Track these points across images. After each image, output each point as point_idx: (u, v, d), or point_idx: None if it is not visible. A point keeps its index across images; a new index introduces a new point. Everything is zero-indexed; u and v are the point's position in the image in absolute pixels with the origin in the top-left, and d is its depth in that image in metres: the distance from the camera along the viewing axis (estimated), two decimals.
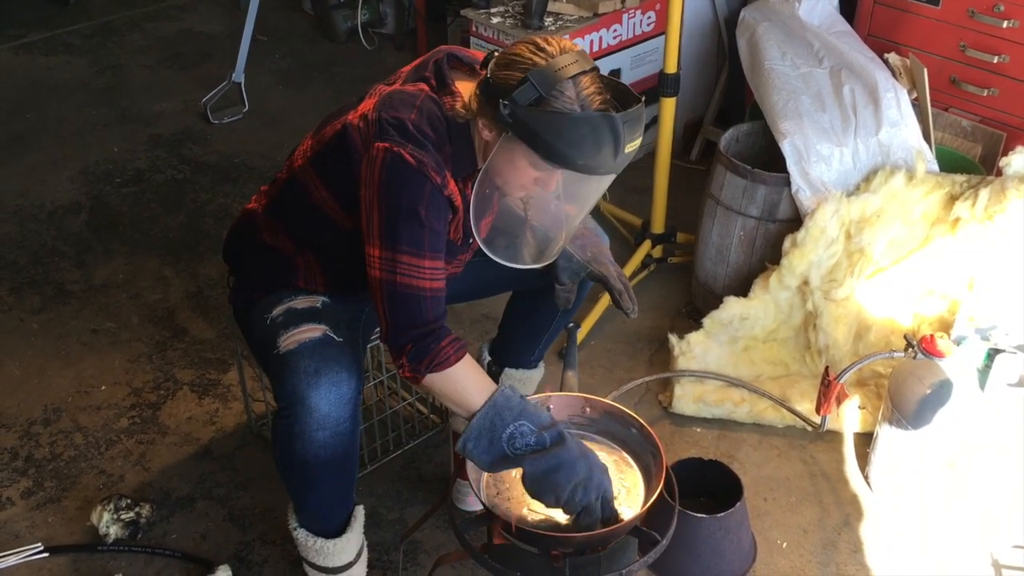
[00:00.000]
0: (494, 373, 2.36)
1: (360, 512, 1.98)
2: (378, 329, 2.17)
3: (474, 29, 3.34)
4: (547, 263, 1.87)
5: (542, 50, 1.61)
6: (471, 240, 1.86)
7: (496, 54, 1.67)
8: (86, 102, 4.13)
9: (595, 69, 1.63)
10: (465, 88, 1.73)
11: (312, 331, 1.79)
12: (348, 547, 1.96)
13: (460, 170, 1.75)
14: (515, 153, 1.63)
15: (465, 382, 1.70)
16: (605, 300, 2.81)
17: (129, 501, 2.21)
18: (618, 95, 1.65)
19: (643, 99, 1.64)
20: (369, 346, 2.20)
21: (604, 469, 1.66)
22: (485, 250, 1.74)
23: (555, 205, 1.76)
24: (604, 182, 1.69)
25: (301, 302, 1.86)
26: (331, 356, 1.76)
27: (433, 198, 1.68)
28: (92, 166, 3.67)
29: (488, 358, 2.41)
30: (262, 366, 1.94)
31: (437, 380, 1.69)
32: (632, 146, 1.62)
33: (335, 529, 1.95)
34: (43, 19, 4.88)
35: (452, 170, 1.73)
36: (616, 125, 1.57)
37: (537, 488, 1.63)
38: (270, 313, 1.86)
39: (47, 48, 4.60)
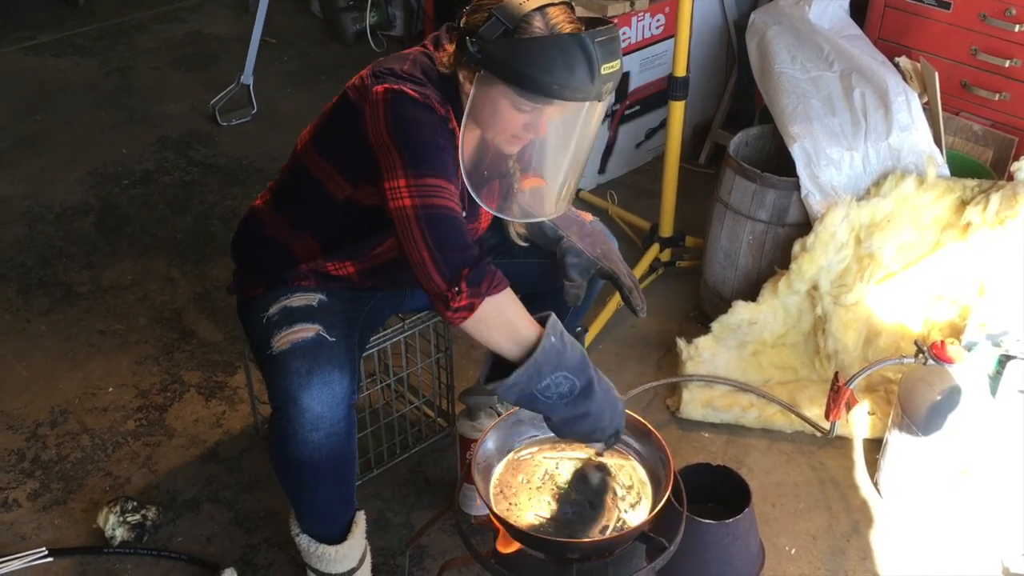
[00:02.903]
0: None
1: (361, 518, 1.98)
2: (373, 338, 2.16)
3: None
4: (545, 218, 1.87)
5: None
6: (464, 214, 1.87)
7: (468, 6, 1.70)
8: (95, 104, 4.14)
9: (565, 3, 1.64)
10: None
11: (305, 331, 1.79)
12: (351, 553, 1.95)
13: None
14: (494, 95, 1.64)
15: (516, 309, 1.62)
16: (613, 304, 2.80)
17: (135, 503, 2.21)
18: (591, 24, 1.65)
19: (615, 22, 1.64)
20: (377, 349, 2.20)
21: (623, 412, 1.69)
22: (481, 203, 1.73)
23: (548, 150, 1.76)
24: (590, 116, 1.67)
25: (297, 300, 1.86)
26: (323, 356, 1.76)
27: (443, 127, 1.69)
28: (100, 168, 3.67)
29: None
30: (259, 366, 1.94)
31: (494, 306, 1.60)
32: (609, 68, 1.60)
33: (337, 534, 1.94)
34: (53, 21, 4.89)
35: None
36: (586, 44, 1.57)
37: (559, 432, 1.66)
38: (267, 311, 1.86)
39: (56, 50, 4.61)
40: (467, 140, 1.70)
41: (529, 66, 1.58)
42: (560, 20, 1.61)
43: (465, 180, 1.68)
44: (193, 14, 5.00)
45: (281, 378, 1.75)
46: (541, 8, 1.60)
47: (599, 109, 1.68)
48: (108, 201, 3.48)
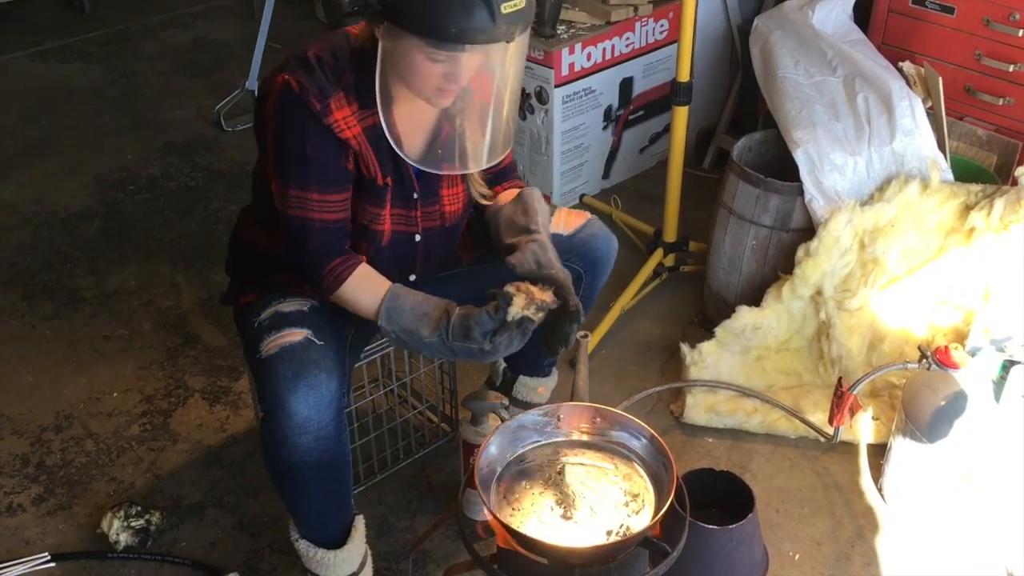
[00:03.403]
0: (509, 380, 2.35)
1: (360, 522, 1.97)
2: (376, 343, 2.17)
3: None
4: (474, 170, 1.87)
5: None
6: (416, 195, 1.88)
7: None
8: (100, 109, 4.16)
9: None
10: None
11: (293, 335, 1.79)
12: (350, 558, 1.95)
13: (366, 98, 1.73)
14: (404, 48, 1.63)
15: (356, 303, 1.80)
16: (616, 309, 2.81)
17: (139, 508, 2.21)
18: None
19: None
20: (380, 354, 2.20)
21: (488, 350, 1.71)
22: (418, 165, 1.77)
23: (470, 98, 1.75)
24: (506, 59, 1.67)
25: (289, 305, 1.87)
26: (310, 360, 1.76)
27: (314, 129, 1.71)
28: (106, 173, 3.68)
29: (503, 365, 2.40)
30: (250, 370, 1.94)
31: (336, 298, 1.82)
32: (511, 7, 1.57)
33: (335, 539, 1.94)
34: (59, 27, 4.91)
35: (354, 97, 1.73)
36: None
37: None
38: (259, 316, 1.87)
39: (62, 55, 4.63)
40: (395, 100, 1.71)
41: (428, 12, 1.56)
42: None
43: (392, 143, 1.71)
44: (198, 20, 5.02)
45: (269, 382, 1.75)
46: None
47: (514, 51, 1.66)
48: (113, 206, 3.49)
